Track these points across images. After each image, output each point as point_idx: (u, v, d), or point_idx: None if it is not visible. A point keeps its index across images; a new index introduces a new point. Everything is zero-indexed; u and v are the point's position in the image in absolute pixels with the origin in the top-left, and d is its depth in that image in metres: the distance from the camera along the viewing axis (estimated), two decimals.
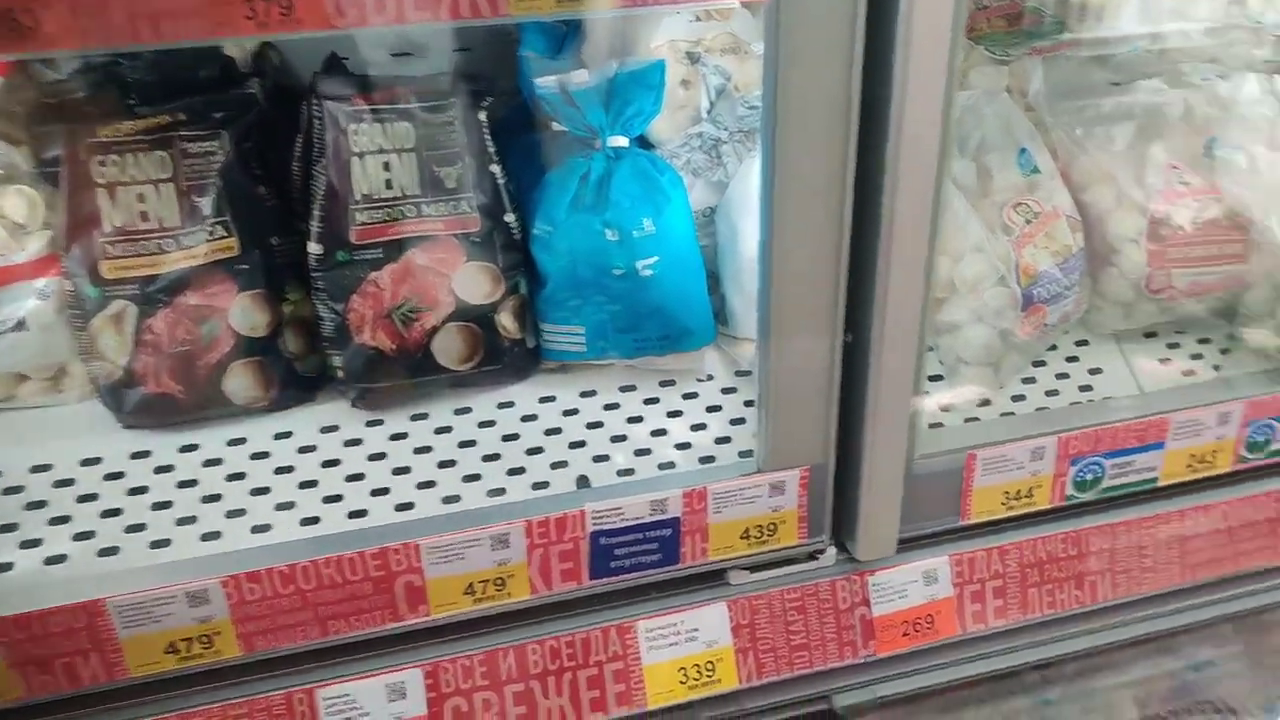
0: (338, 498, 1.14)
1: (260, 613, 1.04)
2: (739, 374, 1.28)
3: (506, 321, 1.23)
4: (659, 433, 1.22)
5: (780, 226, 1.01)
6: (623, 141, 1.18)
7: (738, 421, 1.23)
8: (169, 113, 1.15)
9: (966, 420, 1.24)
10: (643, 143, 1.28)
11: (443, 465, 1.18)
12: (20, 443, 1.20)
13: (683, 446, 1.21)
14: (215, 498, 1.13)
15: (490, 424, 1.23)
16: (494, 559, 1.09)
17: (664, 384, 1.28)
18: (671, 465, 1.19)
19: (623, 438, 1.22)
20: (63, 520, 1.11)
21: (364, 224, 1.19)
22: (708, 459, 1.19)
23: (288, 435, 1.21)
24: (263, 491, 1.14)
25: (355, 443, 1.20)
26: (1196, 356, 1.33)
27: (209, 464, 1.17)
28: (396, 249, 1.19)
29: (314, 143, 1.18)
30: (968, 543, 1.22)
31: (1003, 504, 1.19)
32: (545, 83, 1.16)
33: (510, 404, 1.25)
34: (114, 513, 1.11)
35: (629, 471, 1.18)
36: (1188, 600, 1.30)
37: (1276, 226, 1.21)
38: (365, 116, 1.17)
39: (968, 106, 1.21)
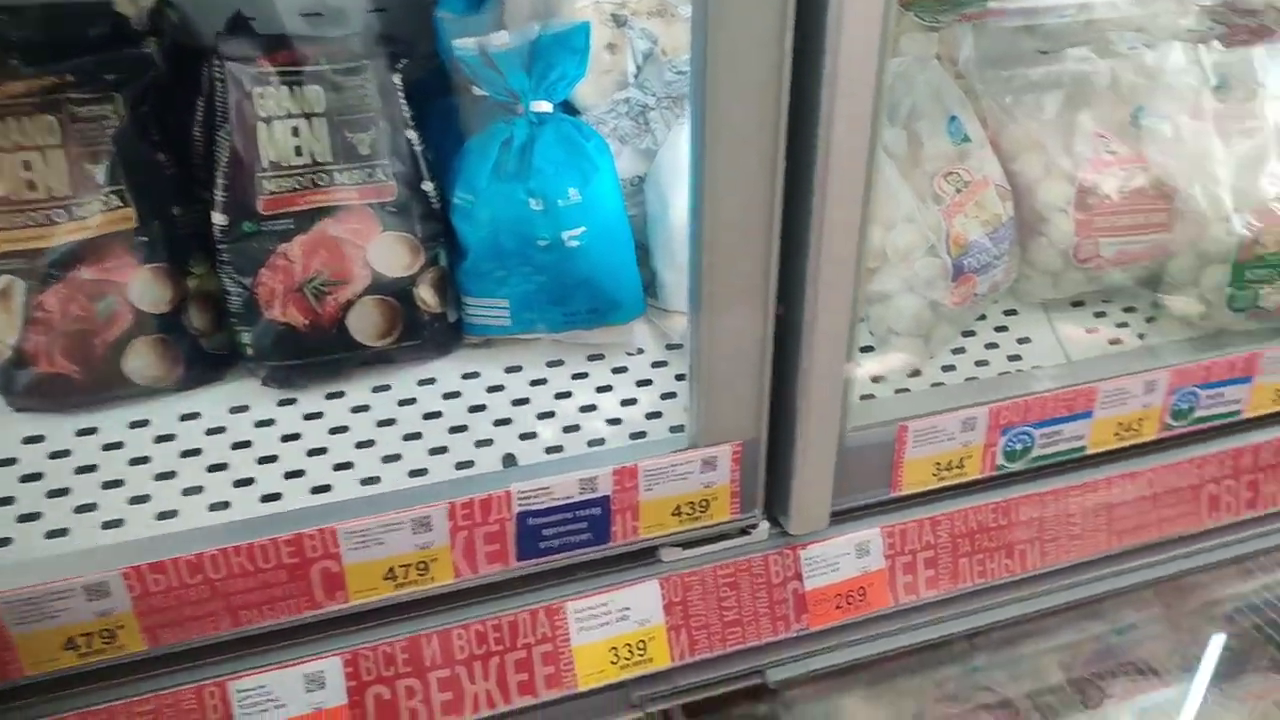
0: (249, 481, 1.09)
1: (166, 604, 0.99)
2: (670, 347, 1.25)
3: (426, 295, 1.18)
4: (588, 408, 1.19)
5: (710, 195, 0.98)
6: (546, 107, 1.13)
7: (669, 396, 1.20)
8: (56, 74, 1.07)
9: (897, 391, 1.23)
10: (567, 108, 1.23)
11: (361, 445, 1.13)
12: None
13: (613, 422, 1.17)
14: (117, 483, 1.07)
15: (411, 402, 1.18)
16: (415, 543, 1.05)
17: (592, 358, 1.24)
18: (601, 442, 1.15)
19: (550, 414, 1.18)
20: None
21: (272, 193, 1.12)
22: (638, 434, 1.16)
23: (194, 416, 1.14)
24: (168, 476, 1.08)
25: (267, 423, 1.15)
26: (1122, 325, 1.34)
27: (109, 448, 1.10)
28: (307, 219, 1.13)
29: (217, 107, 1.12)
30: (899, 514, 1.22)
31: (934, 475, 1.18)
32: (464, 44, 1.11)
33: (431, 381, 1.21)
34: (5, 501, 1.04)
35: (557, 449, 1.14)
36: (1113, 566, 1.32)
37: (1200, 195, 1.22)
38: (272, 79, 1.10)
39: (898, 73, 1.18)
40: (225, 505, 1.07)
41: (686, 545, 1.16)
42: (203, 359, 1.17)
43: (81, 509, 1.04)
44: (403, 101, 1.15)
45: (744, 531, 1.18)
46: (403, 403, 1.18)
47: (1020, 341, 1.30)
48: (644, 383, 1.22)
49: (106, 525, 1.03)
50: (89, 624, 0.98)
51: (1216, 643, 1.35)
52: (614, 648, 1.14)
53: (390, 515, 1.03)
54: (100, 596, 0.97)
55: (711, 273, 1.01)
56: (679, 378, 1.22)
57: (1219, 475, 1.35)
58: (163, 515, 1.04)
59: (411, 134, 1.15)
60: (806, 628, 1.20)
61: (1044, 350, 1.31)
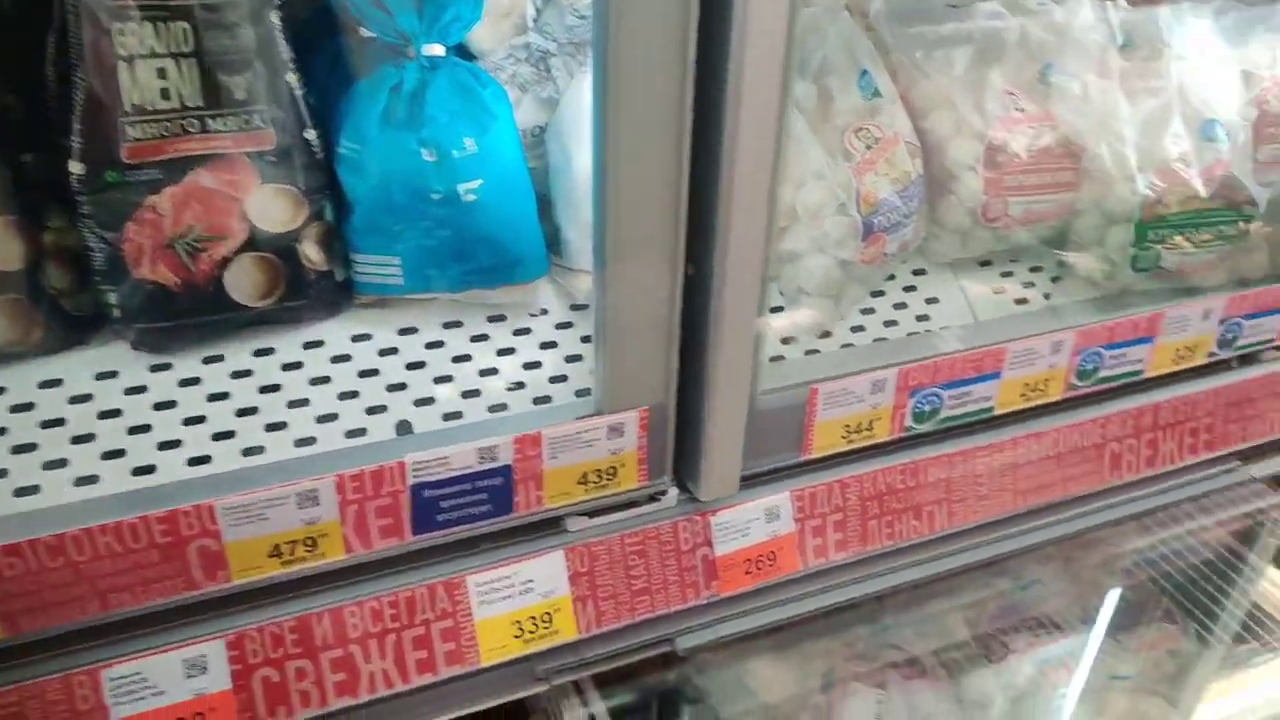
0: (119, 453, 1.00)
1: (25, 589, 0.92)
2: (575, 308, 1.20)
3: (310, 251, 1.10)
4: (489, 372, 1.13)
5: (614, 147, 0.93)
6: (439, 50, 1.05)
7: (574, 358, 1.15)
8: None
9: (807, 353, 1.21)
10: (462, 54, 1.16)
11: (242, 413, 1.05)
12: None
13: (515, 387, 1.12)
14: None
15: (296, 366, 1.10)
16: (302, 518, 0.99)
17: (493, 319, 1.18)
18: (503, 407, 1.10)
19: (448, 378, 1.11)
20: None
21: (136, 140, 1.02)
22: (543, 399, 1.11)
23: (56, 383, 1.05)
24: (27, 449, 0.99)
25: (138, 390, 1.06)
26: (1029, 285, 1.34)
27: None
28: (178, 169, 1.04)
29: (71, 44, 1.01)
30: (809, 477, 1.20)
31: (843, 437, 1.17)
32: None
33: (319, 343, 1.13)
34: None
35: (456, 415, 1.08)
36: (1019, 526, 1.34)
37: (1106, 155, 1.22)
38: (133, 14, 0.99)
39: (809, 24, 1.15)
40: (93, 480, 0.98)
41: (593, 514, 1.12)
42: (64, 321, 1.07)
43: None
44: (282, 41, 1.05)
45: (653, 499, 1.15)
46: (287, 367, 1.10)
47: (929, 301, 1.29)
48: (548, 345, 1.17)
49: None
50: None
51: (1113, 596, 1.39)
52: (518, 621, 1.10)
53: (274, 489, 0.96)
54: None
55: (616, 229, 0.96)
56: (585, 340, 1.17)
57: (1121, 434, 1.37)
58: (21, 492, 0.96)
59: (292, 78, 1.06)
60: (717, 594, 1.18)
61: (952, 310, 1.30)
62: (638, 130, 0.93)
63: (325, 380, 1.10)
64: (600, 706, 1.20)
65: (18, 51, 1.03)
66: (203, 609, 1.01)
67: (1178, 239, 1.24)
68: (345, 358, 1.12)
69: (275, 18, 1.05)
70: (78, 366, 1.06)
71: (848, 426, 1.16)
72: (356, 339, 1.14)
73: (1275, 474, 1.53)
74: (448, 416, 1.09)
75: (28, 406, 1.02)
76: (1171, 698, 1.31)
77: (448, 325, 1.17)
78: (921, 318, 1.27)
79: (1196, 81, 1.26)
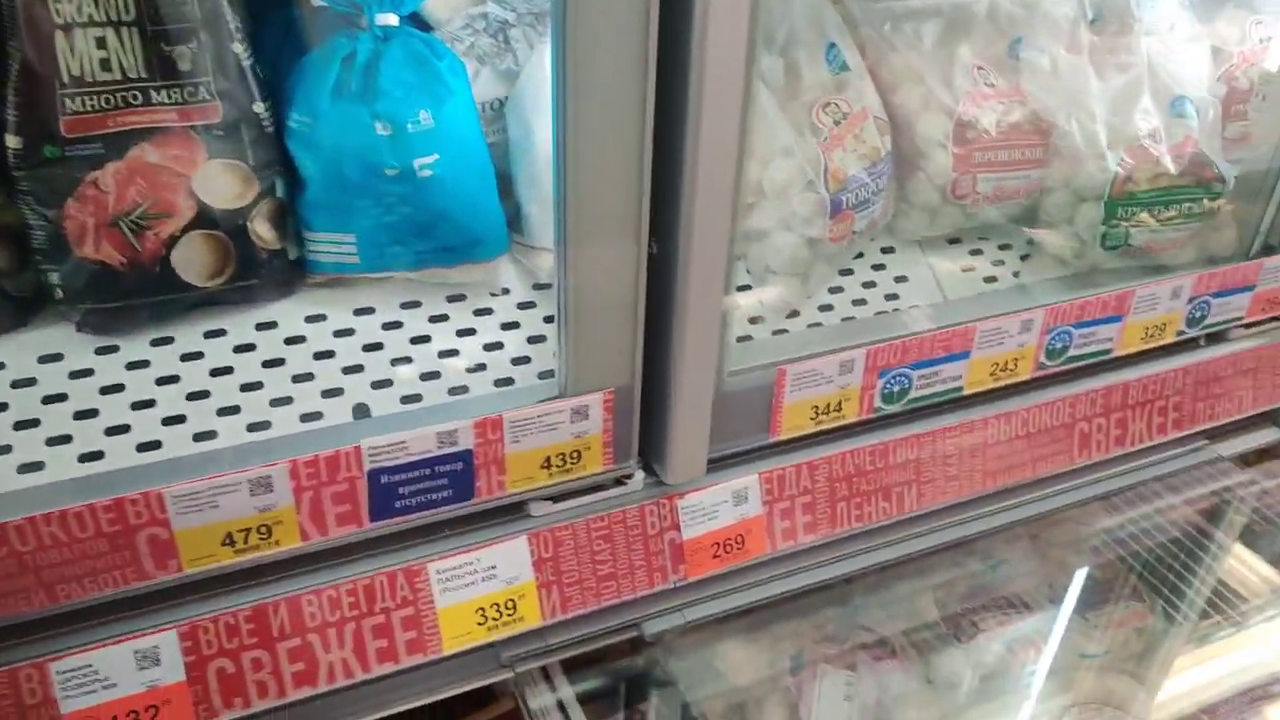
0: (65, 439, 0.97)
1: None
2: (537, 287, 1.17)
3: (261, 229, 1.06)
4: (449, 353, 1.10)
5: (575, 121, 0.90)
6: (392, 20, 1.02)
7: (537, 339, 1.13)
8: None
9: (775, 333, 1.19)
10: (418, 23, 1.12)
11: (193, 397, 1.02)
12: None
13: (476, 369, 1.09)
14: None
15: (249, 348, 1.07)
16: (255, 505, 0.96)
17: (453, 299, 1.15)
18: (464, 390, 1.08)
19: (406, 360, 1.09)
20: None
21: (76, 113, 0.98)
22: (505, 381, 1.09)
23: None
24: None
25: (84, 374, 1.02)
26: (998, 263, 1.34)
27: None
28: (120, 144, 1.00)
29: (3, 11, 0.96)
30: (777, 460, 1.19)
31: (812, 419, 1.16)
32: None
33: (272, 324, 1.09)
34: None
35: (415, 398, 1.06)
36: (988, 506, 1.34)
37: (1076, 131, 1.21)
38: None
39: None
40: (38, 466, 0.95)
41: (557, 499, 1.10)
42: (4, 302, 1.03)
43: None
44: (229, 10, 1.01)
45: (619, 482, 1.13)
46: (239, 349, 1.07)
47: (898, 280, 1.28)
48: (510, 325, 1.14)
49: None
50: None
51: (1081, 575, 1.40)
52: (481, 608, 1.08)
53: (225, 476, 0.93)
54: None
55: (577, 206, 0.94)
56: (548, 320, 1.15)
57: (1090, 414, 1.37)
58: None
59: (239, 48, 1.02)
60: (684, 578, 1.17)
61: (921, 289, 1.29)
62: (598, 103, 0.90)
63: (279, 362, 1.06)
64: (568, 691, 1.18)
65: None
66: (154, 599, 0.99)
67: (1147, 216, 1.24)
68: (299, 339, 1.09)
69: None
70: (19, 349, 1.03)
71: (816, 408, 1.15)
72: (311, 320, 1.11)
73: (1242, 452, 1.54)
74: (407, 399, 1.06)
75: None
76: (1139, 675, 1.31)
77: (406, 305, 1.14)
78: (890, 296, 1.25)
79: (1166, 57, 1.25)
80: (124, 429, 0.99)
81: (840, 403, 1.16)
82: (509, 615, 1.10)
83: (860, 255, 1.28)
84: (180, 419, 1.00)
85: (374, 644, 1.05)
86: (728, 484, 1.16)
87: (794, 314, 1.19)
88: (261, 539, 0.98)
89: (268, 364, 1.06)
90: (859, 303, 1.24)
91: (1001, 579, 1.35)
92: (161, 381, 1.03)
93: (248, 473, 0.94)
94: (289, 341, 1.08)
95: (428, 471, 1.02)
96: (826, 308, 1.23)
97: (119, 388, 1.02)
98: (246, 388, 1.04)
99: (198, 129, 1.03)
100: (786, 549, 1.21)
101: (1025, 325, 1.22)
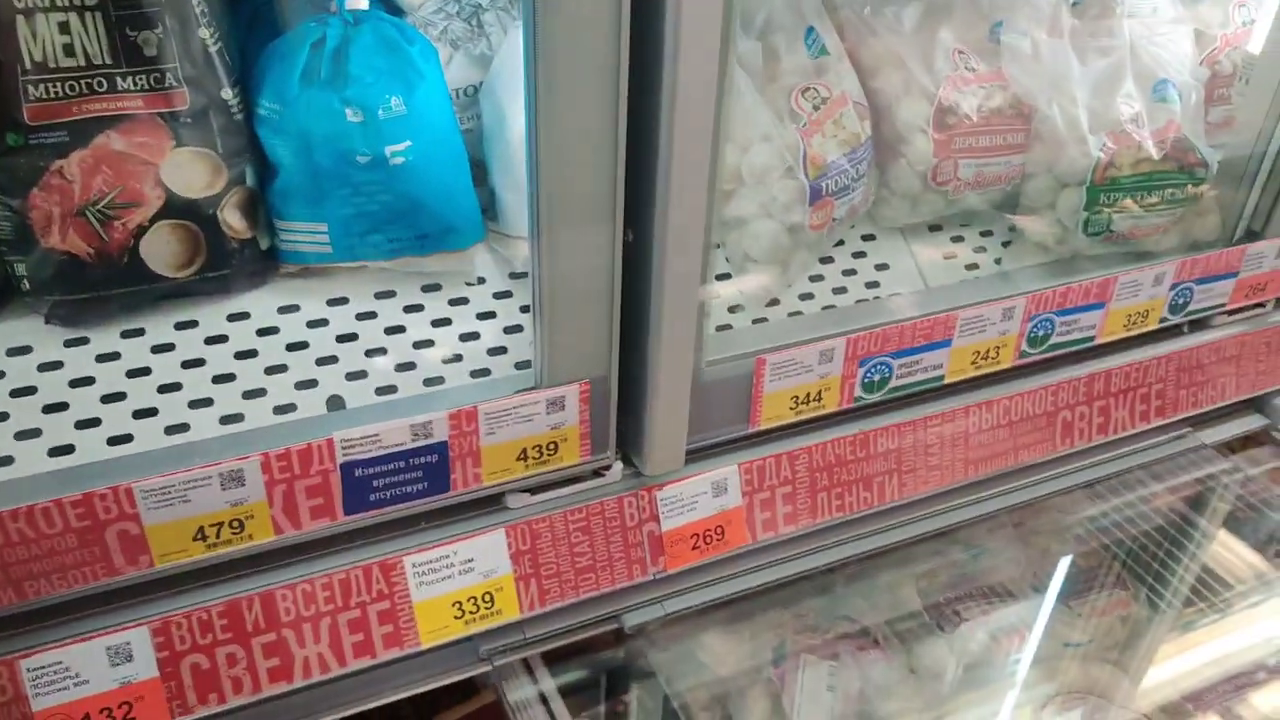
0: (35, 433, 0.97)
1: None
2: (514, 276, 1.17)
3: (232, 218, 1.06)
4: (424, 344, 1.10)
5: (547, 107, 0.90)
6: (362, 4, 1.01)
7: (514, 329, 1.13)
8: None
9: (755, 322, 1.19)
10: (391, 9, 1.11)
11: (164, 389, 1.02)
12: None
13: (452, 359, 1.09)
14: None
15: (220, 339, 1.06)
16: (227, 499, 0.96)
17: (428, 289, 1.15)
18: (440, 380, 1.08)
19: (381, 351, 1.09)
20: None
21: (39, 100, 0.97)
22: (481, 372, 1.09)
23: None
24: None
25: (54, 366, 1.02)
26: (979, 250, 1.34)
27: None
28: (85, 131, 0.99)
29: None
30: (757, 450, 1.20)
31: (791, 409, 1.16)
32: None
33: (244, 315, 1.09)
34: None
35: (390, 389, 1.06)
36: (970, 495, 1.35)
37: (1057, 116, 1.21)
38: None
39: None
40: (7, 461, 0.95)
41: (535, 491, 1.11)
42: None
43: None
44: None
45: (597, 474, 1.13)
46: (211, 340, 1.06)
47: (879, 268, 1.28)
48: (486, 315, 1.14)
49: None
50: None
51: (1065, 563, 1.40)
52: (458, 602, 1.09)
53: (195, 470, 0.93)
54: None
55: (551, 193, 0.94)
56: (524, 309, 1.15)
57: (1072, 402, 1.38)
58: None
59: (206, 33, 1.01)
60: (664, 570, 1.17)
61: (902, 276, 1.30)
62: (570, 88, 0.90)
63: (251, 354, 1.06)
64: (550, 684, 1.19)
65: None
66: (126, 595, 0.99)
67: (1129, 202, 1.24)
68: (272, 330, 1.09)
69: None
70: None
71: (796, 397, 1.15)
72: (284, 310, 1.10)
73: (1226, 440, 1.56)
74: (381, 391, 1.06)
75: None
76: (1122, 663, 1.32)
77: (380, 295, 1.13)
78: (871, 284, 1.26)
79: (1149, 41, 1.26)
80: (94, 422, 0.99)
81: (821, 392, 1.16)
82: (486, 609, 1.10)
83: (841, 243, 1.29)
84: (152, 412, 1.00)
85: (350, 638, 1.05)
86: (707, 475, 1.16)
87: (774, 303, 1.19)
88: (234, 533, 0.98)
89: (240, 355, 1.06)
90: (840, 291, 1.24)
91: (984, 568, 1.35)
92: (132, 374, 1.03)
93: (218, 466, 0.94)
94: (261, 333, 1.08)
95: (402, 464, 1.02)
96: (807, 296, 1.23)
97: (89, 380, 1.01)
98: (219, 380, 1.04)
99: (165, 116, 1.02)
100: (767, 540, 1.22)
101: (1007, 313, 1.22)
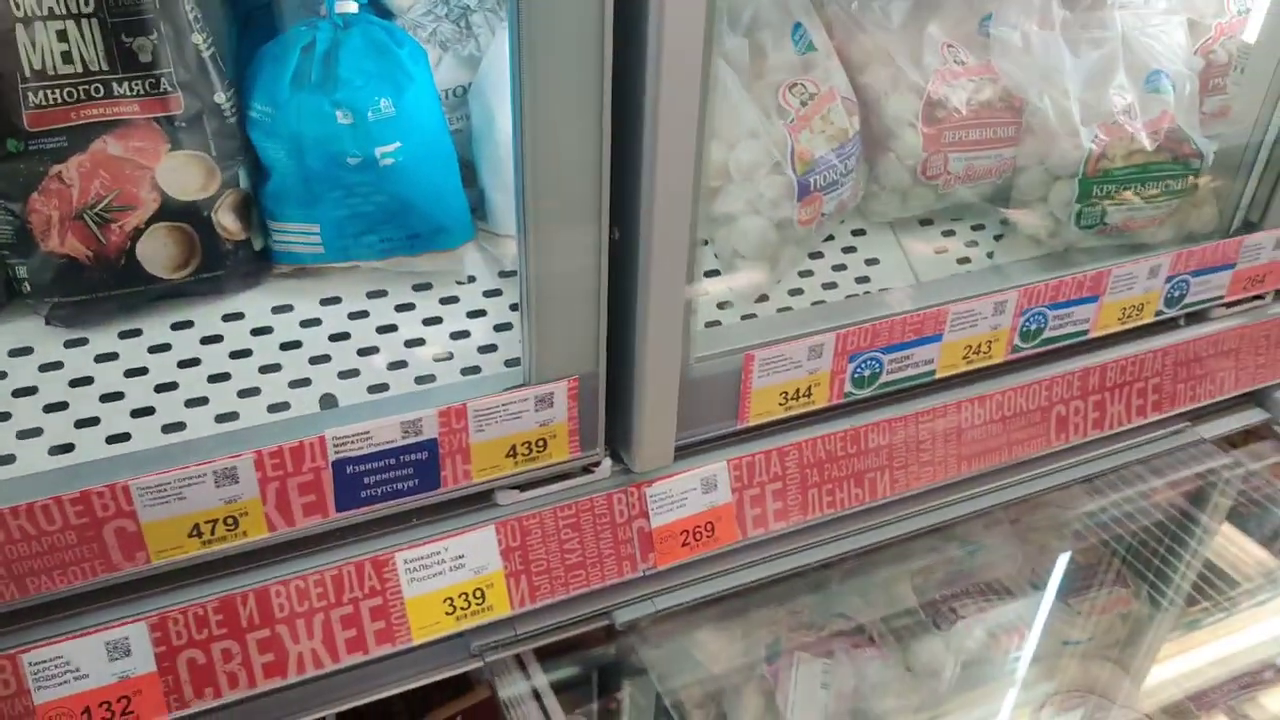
0: (36, 431, 1.05)
1: None
2: (503, 274, 1.25)
3: (226, 220, 1.13)
4: (415, 342, 1.18)
5: (531, 106, 0.97)
6: (351, 7, 1.09)
7: (503, 327, 1.20)
8: None
9: (744, 318, 1.26)
10: (380, 11, 1.18)
11: (161, 389, 1.10)
12: None
13: (444, 357, 1.16)
14: None
15: (216, 339, 1.15)
16: (221, 496, 1.04)
17: (418, 288, 1.22)
18: (432, 378, 1.15)
19: (373, 350, 1.17)
20: None
21: (39, 106, 1.06)
22: (471, 370, 1.16)
23: None
24: None
25: (54, 366, 1.10)
26: (971, 244, 1.41)
27: None
28: (83, 136, 1.08)
29: None
30: (746, 446, 1.26)
31: (781, 404, 1.22)
32: None
33: (238, 315, 1.17)
34: None
35: (382, 387, 1.14)
36: (964, 491, 1.42)
37: (1049, 108, 1.26)
38: None
39: None
40: (9, 460, 1.02)
41: (524, 487, 1.18)
42: None
43: None
44: (187, 1, 1.07)
45: (586, 470, 1.20)
46: (206, 340, 1.15)
47: (869, 263, 1.34)
48: (476, 314, 1.21)
49: None
50: None
51: (1063, 560, 1.44)
52: (449, 598, 1.16)
53: (190, 468, 1.01)
54: None
55: (537, 191, 1.01)
56: (514, 308, 1.21)
57: (1067, 396, 1.44)
58: None
59: (199, 39, 1.08)
60: (654, 566, 1.24)
61: (893, 271, 1.36)
62: (554, 87, 0.96)
63: (246, 353, 1.14)
64: (542, 680, 1.25)
65: None
66: (124, 591, 1.05)
67: (1123, 194, 1.28)
68: (266, 330, 1.17)
69: None
70: None
71: (785, 393, 1.20)
72: (277, 310, 1.19)
73: (1226, 434, 1.61)
74: (374, 389, 1.14)
75: None
76: (1123, 662, 1.36)
77: (372, 295, 1.21)
78: (861, 279, 1.32)
79: (1141, 31, 1.30)
80: (94, 421, 1.07)
81: (810, 388, 1.21)
82: (477, 605, 1.16)
83: (830, 238, 1.35)
84: (149, 411, 1.08)
85: (343, 634, 1.12)
86: (696, 471, 1.23)
87: (763, 298, 1.25)
88: (229, 530, 1.05)
89: (235, 355, 1.14)
90: (829, 286, 1.31)
91: (981, 564, 1.40)
92: (130, 373, 1.11)
93: (213, 464, 1.01)
94: (256, 332, 1.16)
95: (392, 461, 1.09)
96: (796, 292, 1.29)
97: (88, 380, 1.10)
98: (214, 379, 1.11)
99: (159, 120, 1.10)
100: (758, 536, 1.29)
101: (998, 307, 1.27)
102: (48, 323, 1.12)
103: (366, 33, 1.11)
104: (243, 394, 1.10)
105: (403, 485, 1.10)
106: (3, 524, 0.96)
